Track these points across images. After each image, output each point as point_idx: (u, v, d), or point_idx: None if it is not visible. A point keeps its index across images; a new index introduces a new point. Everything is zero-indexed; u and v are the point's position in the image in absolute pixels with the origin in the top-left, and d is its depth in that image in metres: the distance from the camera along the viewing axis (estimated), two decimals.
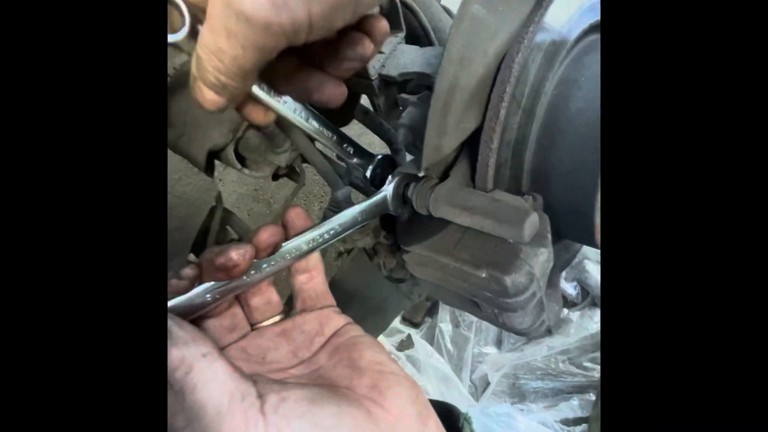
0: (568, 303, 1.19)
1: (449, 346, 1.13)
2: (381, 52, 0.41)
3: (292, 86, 0.28)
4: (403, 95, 0.39)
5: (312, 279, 0.33)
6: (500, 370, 1.08)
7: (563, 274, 1.20)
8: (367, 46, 0.27)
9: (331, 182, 0.47)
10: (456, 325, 1.16)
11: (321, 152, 0.49)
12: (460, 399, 1.05)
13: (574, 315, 1.13)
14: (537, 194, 0.35)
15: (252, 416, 0.23)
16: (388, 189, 0.36)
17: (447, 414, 0.33)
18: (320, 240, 0.32)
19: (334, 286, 0.63)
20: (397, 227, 0.39)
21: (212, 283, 0.28)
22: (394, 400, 0.25)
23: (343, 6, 0.21)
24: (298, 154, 0.52)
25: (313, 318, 0.32)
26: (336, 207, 0.48)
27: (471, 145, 0.35)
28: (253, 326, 0.32)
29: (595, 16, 0.38)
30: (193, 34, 0.25)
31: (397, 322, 1.21)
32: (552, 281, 0.37)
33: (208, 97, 0.24)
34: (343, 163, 0.49)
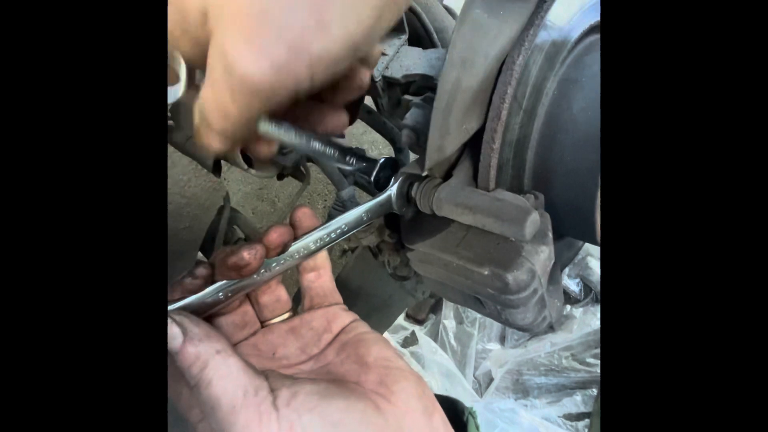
0: (571, 299, 1.20)
1: (453, 342, 1.14)
2: (384, 54, 0.42)
3: (294, 118, 0.28)
4: (407, 96, 0.40)
5: (319, 277, 0.34)
6: (504, 366, 1.09)
7: (566, 270, 1.21)
8: (365, 75, 0.27)
9: (336, 182, 0.48)
10: (459, 321, 1.17)
11: (332, 140, 0.50)
12: (464, 395, 1.06)
13: (577, 311, 1.14)
14: (539, 193, 0.36)
15: (265, 410, 0.23)
16: (392, 189, 0.36)
17: (452, 408, 0.34)
18: (327, 239, 0.33)
19: (339, 283, 0.63)
20: (402, 226, 0.40)
21: (224, 281, 0.29)
22: (400, 395, 0.26)
23: (343, 58, 0.21)
24: (303, 155, 0.53)
25: (321, 315, 0.33)
26: (341, 206, 0.49)
27: (473, 146, 0.35)
28: (263, 323, 0.33)
29: (596, 16, 0.38)
30: (190, 83, 0.24)
31: (401, 319, 1.21)
32: (554, 278, 0.38)
33: (214, 144, 0.24)
34: (346, 170, 0.50)
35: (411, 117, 0.37)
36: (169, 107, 0.34)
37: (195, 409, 0.27)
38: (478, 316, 1.15)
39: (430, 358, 1.10)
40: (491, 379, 1.09)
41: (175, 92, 0.25)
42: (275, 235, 0.29)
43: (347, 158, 0.38)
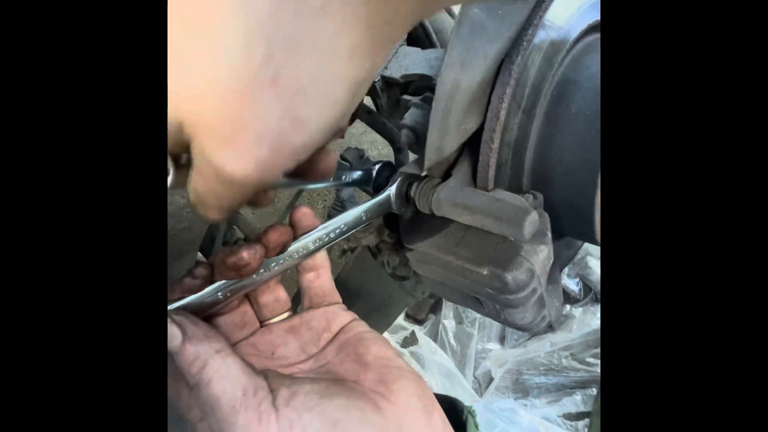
0: (571, 299, 1.20)
1: (453, 342, 1.14)
2: None
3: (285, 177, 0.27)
4: (406, 96, 0.40)
5: (319, 277, 0.34)
6: (503, 366, 1.09)
7: (566, 270, 1.21)
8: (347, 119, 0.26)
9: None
10: (459, 321, 1.17)
11: None
12: (463, 395, 1.06)
13: (577, 311, 1.14)
14: (537, 193, 0.36)
15: (265, 409, 0.23)
16: (391, 189, 0.36)
17: (451, 408, 0.34)
18: (326, 239, 0.33)
19: (339, 283, 0.64)
20: (401, 226, 0.40)
21: (223, 281, 0.29)
22: (400, 394, 0.26)
23: (325, 140, 0.21)
24: None
25: (320, 315, 0.33)
26: (340, 206, 0.49)
27: (472, 146, 0.35)
28: (262, 323, 0.33)
29: (595, 16, 0.39)
30: (178, 169, 0.24)
31: (401, 319, 1.21)
32: (553, 277, 0.38)
33: (212, 216, 0.24)
34: (347, 164, 0.50)
35: (410, 117, 0.37)
36: None
37: (194, 409, 0.27)
38: (478, 316, 1.15)
39: (429, 358, 1.10)
40: (491, 379, 1.09)
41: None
42: (274, 235, 0.29)
43: (343, 177, 0.38)
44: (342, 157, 0.49)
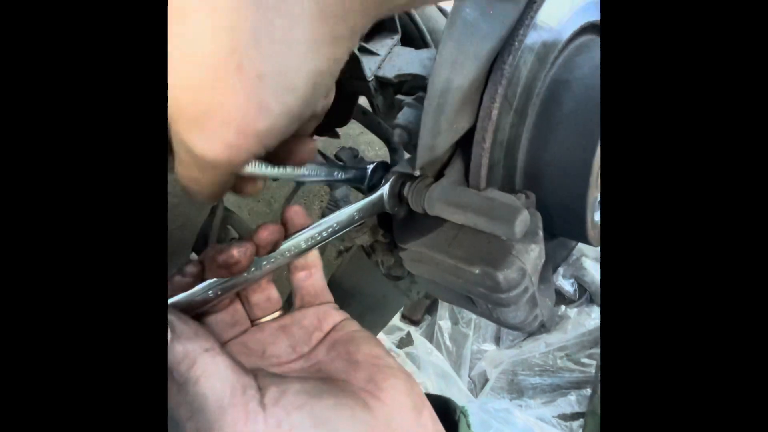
0: (566, 300, 1.20)
1: (448, 343, 1.14)
2: (377, 54, 0.42)
3: (267, 158, 0.29)
4: (399, 96, 0.40)
5: (310, 276, 0.34)
6: (499, 366, 1.09)
7: (560, 271, 1.21)
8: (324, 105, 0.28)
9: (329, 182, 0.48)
10: (455, 322, 1.17)
11: (320, 151, 0.50)
12: (459, 395, 1.06)
13: (572, 312, 1.14)
14: (530, 192, 0.36)
15: (252, 408, 0.23)
16: (384, 188, 0.36)
17: (444, 407, 0.34)
18: (318, 238, 0.33)
19: (334, 284, 0.64)
20: (394, 225, 0.40)
21: (214, 279, 0.29)
22: (390, 392, 0.26)
23: (291, 125, 0.23)
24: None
25: (312, 314, 0.33)
26: (334, 206, 0.49)
27: (465, 145, 0.36)
28: (253, 322, 0.33)
29: (587, 17, 0.39)
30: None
31: (396, 320, 1.22)
32: (545, 277, 0.38)
33: (201, 199, 0.27)
34: (341, 163, 0.50)
35: (403, 116, 0.37)
36: None
37: (183, 407, 0.27)
38: (474, 316, 1.15)
39: (425, 359, 1.10)
40: (486, 380, 1.10)
41: None
42: (265, 233, 0.29)
43: (335, 174, 0.38)
44: (336, 157, 0.49)
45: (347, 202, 0.46)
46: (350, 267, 0.64)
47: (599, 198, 0.37)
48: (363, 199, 0.36)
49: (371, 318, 0.72)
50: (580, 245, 0.56)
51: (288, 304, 0.35)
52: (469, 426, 0.34)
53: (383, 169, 0.41)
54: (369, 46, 0.42)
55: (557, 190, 0.37)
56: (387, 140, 0.61)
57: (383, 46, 0.41)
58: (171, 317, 0.26)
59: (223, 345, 0.28)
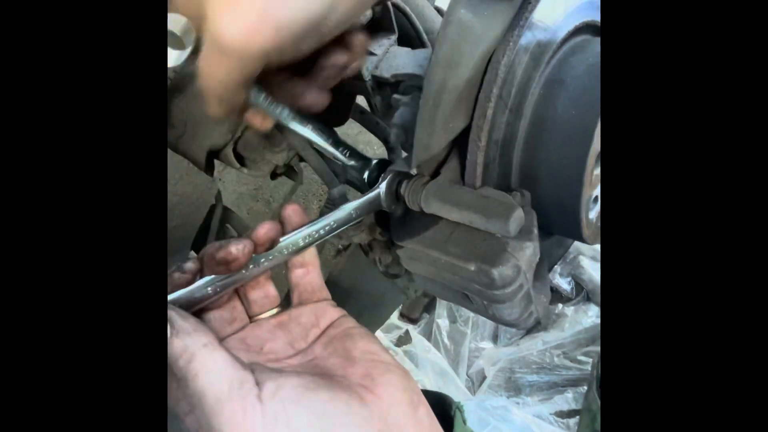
0: (563, 298, 1.21)
1: (446, 341, 1.15)
2: (374, 54, 0.42)
3: (281, 93, 0.33)
4: (396, 96, 0.40)
5: (308, 273, 0.34)
6: (496, 364, 1.10)
7: (557, 269, 1.22)
8: (339, 57, 0.33)
9: (327, 180, 0.48)
10: (453, 320, 1.18)
11: (317, 150, 0.51)
12: (456, 393, 1.06)
13: (569, 310, 1.15)
14: (525, 191, 0.36)
15: (250, 402, 0.24)
16: (381, 186, 0.37)
17: (440, 403, 0.35)
18: (316, 236, 0.33)
19: (332, 282, 0.64)
20: (391, 223, 0.40)
21: (213, 276, 0.29)
22: (386, 387, 0.27)
23: (307, 32, 0.26)
24: (295, 153, 0.54)
25: (309, 311, 0.33)
26: (332, 204, 0.49)
27: (461, 144, 0.36)
28: (251, 318, 0.33)
29: (582, 18, 0.39)
30: (195, 50, 0.29)
31: (395, 319, 1.22)
32: (540, 274, 0.38)
33: (214, 107, 0.30)
34: (339, 162, 0.50)
35: (399, 116, 0.38)
36: (177, 69, 0.36)
37: (182, 402, 0.27)
38: (472, 315, 1.16)
39: (423, 357, 1.11)
40: (484, 378, 1.10)
41: (180, 57, 0.29)
42: (263, 231, 0.29)
43: (341, 149, 0.39)
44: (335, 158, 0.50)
45: (345, 200, 0.46)
46: (348, 265, 0.64)
47: (594, 196, 0.38)
48: (360, 197, 0.36)
49: (369, 316, 0.72)
50: (577, 244, 0.56)
51: (286, 301, 0.35)
52: (464, 421, 0.35)
53: (385, 167, 0.41)
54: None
55: (552, 188, 0.37)
56: (384, 139, 0.61)
57: (380, 46, 0.42)
58: (171, 313, 0.26)
59: (222, 341, 0.29)
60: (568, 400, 1.02)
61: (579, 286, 1.20)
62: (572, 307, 1.14)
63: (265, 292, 0.33)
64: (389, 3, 0.42)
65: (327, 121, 0.53)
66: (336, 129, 0.57)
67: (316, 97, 0.33)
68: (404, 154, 0.51)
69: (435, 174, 0.37)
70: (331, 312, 0.33)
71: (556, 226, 0.41)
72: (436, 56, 0.30)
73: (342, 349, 0.29)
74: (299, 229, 0.32)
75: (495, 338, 1.18)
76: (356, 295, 0.66)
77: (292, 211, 0.33)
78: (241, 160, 0.54)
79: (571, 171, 0.36)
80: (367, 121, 0.60)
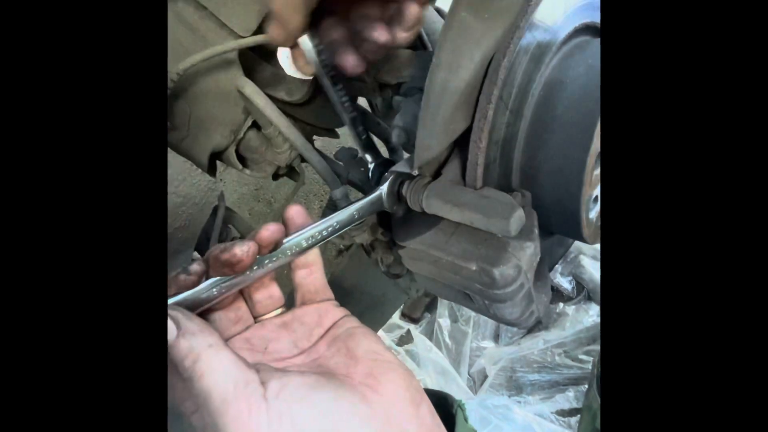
0: (564, 297, 1.21)
1: (448, 340, 1.15)
2: None
3: (327, 41, 0.36)
4: (397, 97, 0.41)
5: (311, 274, 0.35)
6: (498, 363, 1.10)
7: (558, 268, 1.22)
8: (381, 34, 0.34)
9: (329, 181, 0.49)
10: (454, 320, 1.18)
11: (319, 151, 0.51)
12: (458, 392, 1.07)
13: (570, 309, 1.15)
14: (525, 191, 0.37)
15: (255, 401, 0.24)
16: (383, 187, 0.37)
17: (441, 402, 0.35)
18: (319, 237, 0.33)
19: (334, 282, 0.64)
20: (393, 224, 0.40)
21: (218, 278, 0.30)
22: (388, 386, 0.27)
23: None
24: (297, 154, 0.54)
25: (313, 311, 0.33)
26: (334, 205, 0.50)
27: (462, 145, 0.36)
28: (256, 319, 0.33)
29: (582, 19, 0.39)
30: None
31: (396, 318, 1.22)
32: (541, 273, 0.39)
33: (275, 31, 0.34)
34: (340, 162, 0.50)
35: (401, 117, 0.38)
36: (180, 71, 0.38)
37: (188, 401, 0.27)
38: (473, 314, 1.16)
39: (425, 356, 1.11)
40: (485, 377, 1.10)
41: None
42: (267, 233, 0.29)
43: (359, 129, 0.41)
44: (335, 157, 0.50)
45: (347, 201, 0.46)
46: (350, 266, 0.65)
47: (594, 196, 0.38)
48: (362, 198, 0.37)
49: (371, 316, 0.73)
50: (578, 243, 0.56)
51: (290, 302, 0.35)
52: (466, 419, 0.35)
53: (387, 166, 0.42)
54: None
55: (552, 188, 0.38)
56: (386, 140, 0.62)
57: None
58: (177, 314, 0.27)
59: (227, 341, 0.29)
60: (569, 398, 1.02)
61: (580, 285, 1.20)
62: (573, 307, 1.15)
63: (269, 293, 0.33)
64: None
65: (328, 120, 0.54)
66: (337, 129, 0.57)
67: (352, 62, 0.35)
68: (406, 154, 0.51)
69: (436, 175, 0.37)
70: (334, 312, 0.34)
71: (557, 226, 0.41)
72: (437, 58, 0.30)
73: (345, 349, 0.30)
74: (302, 231, 0.33)
75: (496, 337, 1.18)
76: (358, 295, 0.66)
77: (295, 213, 0.33)
78: (243, 161, 0.54)
79: (571, 171, 0.36)
80: (368, 121, 0.61)
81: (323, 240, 0.34)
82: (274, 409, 0.24)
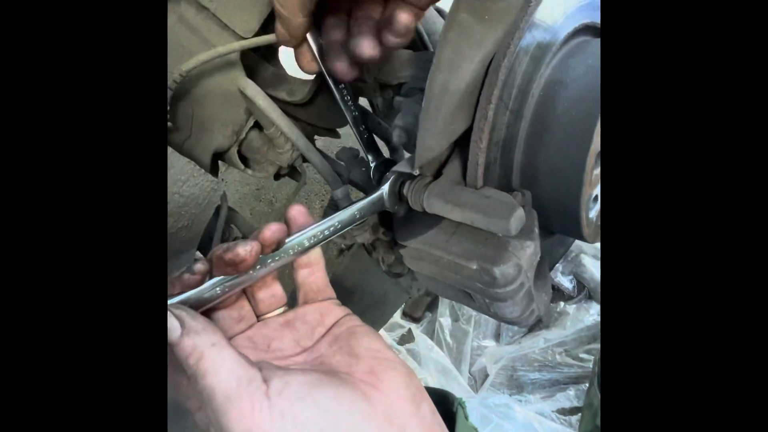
0: (565, 296, 1.21)
1: (449, 339, 1.16)
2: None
3: (327, 41, 0.37)
4: (398, 97, 0.41)
5: (313, 273, 0.35)
6: (499, 362, 1.11)
7: (559, 267, 1.22)
8: (366, 47, 0.34)
9: (330, 181, 0.49)
10: (455, 319, 1.18)
11: (320, 151, 0.51)
12: (459, 391, 1.07)
13: (571, 308, 1.15)
14: (526, 191, 0.37)
15: (258, 399, 0.24)
16: (384, 187, 0.37)
17: (442, 400, 0.35)
18: (320, 236, 0.34)
19: (335, 282, 0.65)
20: (394, 223, 0.41)
21: (221, 277, 0.30)
22: (389, 384, 0.27)
23: None
24: (298, 154, 0.54)
25: (315, 309, 0.34)
26: (335, 205, 0.50)
27: (462, 145, 0.36)
28: (259, 317, 0.34)
29: (582, 19, 0.40)
30: None
31: (398, 317, 1.23)
32: (541, 272, 0.39)
33: (279, 30, 0.34)
34: (341, 162, 0.51)
35: (402, 117, 0.38)
36: (183, 73, 0.38)
37: (193, 399, 0.28)
38: (474, 313, 1.16)
39: (426, 355, 1.11)
40: (486, 375, 1.11)
41: None
42: (269, 233, 0.30)
43: (362, 128, 0.41)
44: (337, 157, 0.50)
45: (348, 201, 0.47)
46: (352, 265, 0.65)
47: (593, 195, 0.38)
48: (363, 198, 0.37)
49: (373, 315, 0.73)
50: (579, 242, 0.56)
51: (292, 301, 0.36)
52: (466, 417, 0.35)
53: (388, 166, 0.42)
54: None
55: (553, 188, 0.38)
56: (387, 140, 0.62)
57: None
58: (181, 313, 0.27)
59: (230, 339, 0.29)
60: (570, 397, 1.03)
61: (581, 284, 1.20)
62: (574, 305, 1.15)
63: (272, 292, 0.34)
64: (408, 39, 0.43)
65: (329, 120, 0.54)
66: (338, 130, 0.58)
67: (342, 69, 0.36)
68: (407, 155, 0.52)
69: (437, 174, 0.38)
70: (336, 311, 0.34)
71: (557, 225, 0.41)
72: (438, 59, 0.31)
73: (347, 347, 0.30)
74: (304, 230, 0.33)
75: (497, 336, 1.18)
76: (360, 294, 0.67)
77: (297, 212, 0.33)
78: (245, 161, 0.54)
79: (571, 171, 0.36)
80: (369, 121, 0.61)
81: (325, 239, 0.34)
82: (276, 407, 0.24)
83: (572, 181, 0.36)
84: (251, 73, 0.47)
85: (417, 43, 0.49)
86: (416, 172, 0.36)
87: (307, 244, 0.33)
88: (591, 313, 1.13)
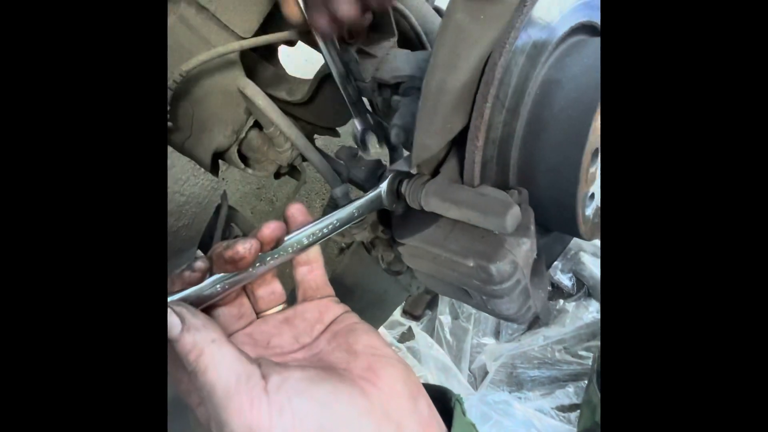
0: (564, 294, 1.21)
1: (449, 337, 1.16)
2: (375, 56, 0.43)
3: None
4: (396, 97, 0.41)
5: (312, 271, 0.35)
6: (498, 359, 1.11)
7: (558, 265, 1.22)
8: (345, 6, 0.35)
9: (330, 179, 0.49)
10: (455, 317, 1.19)
11: (320, 150, 0.52)
12: (459, 388, 1.07)
13: (570, 306, 1.16)
14: (522, 189, 0.37)
15: (256, 394, 0.25)
16: (382, 186, 0.38)
17: (440, 396, 0.36)
18: (320, 234, 0.34)
19: (335, 280, 0.65)
20: (392, 221, 0.41)
21: (221, 274, 0.30)
22: (386, 380, 0.28)
23: None
24: (298, 153, 0.55)
25: (314, 307, 0.34)
26: (334, 203, 0.50)
27: (459, 144, 0.37)
28: (258, 314, 0.34)
29: (578, 18, 0.40)
30: None
31: (398, 315, 1.23)
32: (538, 270, 0.39)
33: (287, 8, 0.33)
34: (341, 161, 0.51)
35: (399, 116, 0.39)
36: (184, 73, 0.38)
37: (193, 394, 0.28)
38: (473, 311, 1.16)
39: (426, 353, 1.12)
40: (486, 373, 1.11)
41: None
42: (269, 230, 0.30)
43: (349, 90, 0.41)
44: (336, 155, 0.51)
45: (347, 199, 0.47)
46: (351, 263, 0.65)
47: (590, 193, 0.38)
48: (362, 196, 0.37)
49: (373, 313, 0.73)
50: (578, 240, 0.57)
51: (291, 298, 0.36)
52: (464, 413, 0.36)
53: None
54: (367, 48, 0.44)
55: (549, 186, 0.38)
56: (386, 139, 0.62)
57: (381, 48, 0.43)
58: (182, 310, 0.27)
59: (230, 336, 0.30)
60: (569, 394, 1.03)
61: (580, 281, 1.21)
62: (573, 303, 1.15)
63: (271, 289, 0.34)
64: (389, 6, 0.42)
65: (329, 119, 0.54)
66: (337, 129, 0.58)
67: (322, 24, 0.36)
68: (405, 153, 0.52)
69: (435, 173, 0.38)
70: (335, 308, 0.34)
71: (554, 223, 0.41)
72: (435, 59, 0.31)
73: (345, 344, 0.30)
74: (303, 228, 0.33)
75: (497, 334, 1.19)
76: (360, 293, 0.67)
77: (296, 211, 0.34)
78: (245, 160, 0.55)
79: (568, 169, 0.37)
80: (357, 82, 0.61)
81: (324, 237, 0.35)
82: (275, 402, 0.25)
83: (568, 179, 0.37)
84: (251, 73, 0.47)
85: (414, 42, 0.49)
86: (414, 171, 0.37)
87: (306, 242, 0.34)
88: (590, 311, 1.13)
